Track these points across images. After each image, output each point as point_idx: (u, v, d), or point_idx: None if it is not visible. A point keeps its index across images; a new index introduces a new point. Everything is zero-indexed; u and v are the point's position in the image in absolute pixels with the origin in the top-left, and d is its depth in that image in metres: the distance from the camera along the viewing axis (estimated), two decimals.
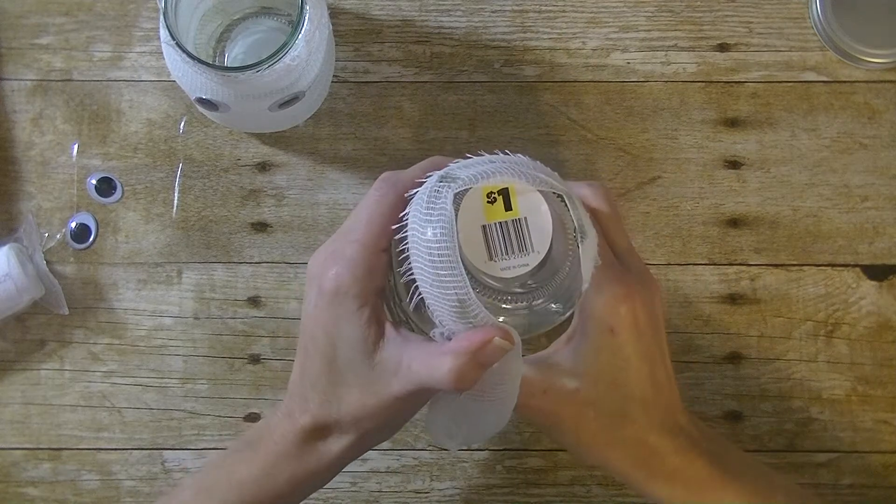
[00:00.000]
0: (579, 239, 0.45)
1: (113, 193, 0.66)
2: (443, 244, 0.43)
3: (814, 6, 0.67)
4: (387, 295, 0.49)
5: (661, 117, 0.66)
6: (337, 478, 0.63)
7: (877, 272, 0.65)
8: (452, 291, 0.44)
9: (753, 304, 0.65)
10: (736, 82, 0.67)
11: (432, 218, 0.44)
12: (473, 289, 0.44)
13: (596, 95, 0.66)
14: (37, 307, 0.64)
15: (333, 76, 0.66)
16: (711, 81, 0.67)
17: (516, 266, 0.45)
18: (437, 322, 0.45)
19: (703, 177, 0.66)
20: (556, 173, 0.46)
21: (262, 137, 0.66)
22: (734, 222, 0.66)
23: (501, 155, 0.46)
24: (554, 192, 0.46)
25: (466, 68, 0.67)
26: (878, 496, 0.64)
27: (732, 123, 0.66)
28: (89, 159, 0.66)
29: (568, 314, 0.48)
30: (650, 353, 0.49)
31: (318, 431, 0.49)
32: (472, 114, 0.66)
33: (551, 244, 0.45)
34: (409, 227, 0.45)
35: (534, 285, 0.46)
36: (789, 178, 0.66)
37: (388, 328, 0.47)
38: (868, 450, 0.64)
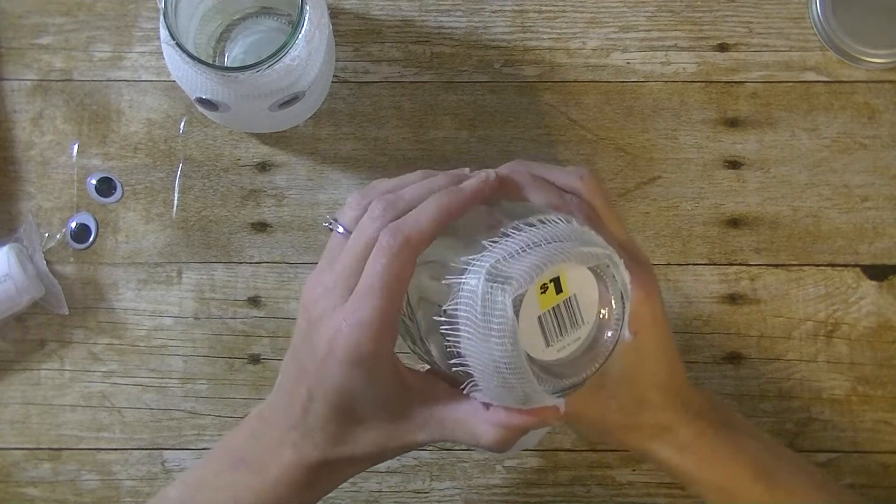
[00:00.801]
0: (625, 303, 0.44)
1: (113, 193, 0.66)
2: (510, 356, 0.41)
3: (814, 6, 0.67)
4: (405, 335, 0.48)
5: (661, 117, 0.66)
6: None
7: (877, 272, 0.65)
8: (520, 391, 0.42)
9: (753, 304, 0.65)
10: (736, 82, 0.67)
11: (492, 327, 0.41)
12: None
13: (596, 95, 0.66)
14: (37, 307, 0.64)
15: (333, 76, 0.66)
16: (711, 81, 0.67)
17: (571, 343, 0.43)
18: (478, 385, 0.43)
19: (703, 177, 0.66)
20: (598, 237, 0.44)
21: (262, 137, 0.66)
22: (734, 222, 0.66)
23: (541, 227, 0.43)
24: (600, 270, 0.44)
25: (466, 68, 0.67)
26: (878, 496, 0.63)
27: (732, 123, 0.66)
28: (89, 159, 0.66)
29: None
30: (667, 343, 0.50)
31: (330, 466, 0.47)
32: (472, 114, 0.66)
33: (598, 310, 0.44)
34: (461, 330, 0.42)
35: (580, 361, 0.44)
36: (789, 178, 0.66)
37: (412, 380, 0.46)
38: (868, 450, 0.64)
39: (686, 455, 0.50)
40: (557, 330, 0.43)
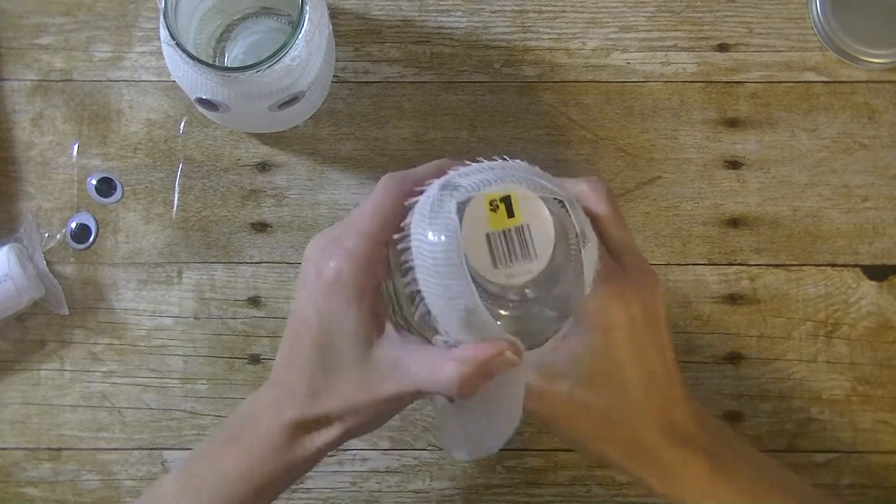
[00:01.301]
0: (581, 245, 0.45)
1: (113, 193, 0.66)
2: (449, 254, 0.43)
3: (814, 6, 0.67)
4: (385, 300, 0.49)
5: (661, 117, 0.66)
6: (337, 477, 0.64)
7: (877, 272, 0.65)
8: (459, 301, 0.43)
9: (753, 304, 0.65)
10: (736, 82, 0.67)
11: (437, 227, 0.44)
12: (479, 297, 0.43)
13: (596, 95, 0.66)
14: (37, 307, 0.64)
15: (333, 76, 0.66)
16: (711, 81, 0.67)
17: (521, 273, 0.44)
18: (441, 331, 0.45)
19: (703, 177, 0.66)
20: (557, 179, 0.46)
21: (262, 137, 0.66)
22: (734, 222, 0.66)
23: (501, 161, 0.46)
24: (555, 198, 0.46)
25: (466, 68, 0.67)
26: (878, 496, 0.64)
27: (732, 123, 0.66)
28: (89, 159, 0.66)
29: (567, 322, 0.48)
30: (644, 352, 0.48)
31: (305, 426, 0.48)
32: (472, 114, 0.66)
33: (554, 250, 0.45)
34: (412, 236, 0.45)
35: (534, 294, 0.46)
36: (789, 178, 0.66)
37: (389, 326, 0.47)
38: (868, 450, 0.64)
39: (670, 483, 0.48)
40: (507, 254, 0.45)
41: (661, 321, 0.49)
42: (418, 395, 0.47)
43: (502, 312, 0.46)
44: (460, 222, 0.44)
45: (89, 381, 0.64)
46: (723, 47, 0.67)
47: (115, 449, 0.64)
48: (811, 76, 0.67)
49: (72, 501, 0.63)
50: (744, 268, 0.65)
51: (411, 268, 0.45)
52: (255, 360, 0.64)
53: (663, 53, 0.67)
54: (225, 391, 0.64)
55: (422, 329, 0.48)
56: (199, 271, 0.65)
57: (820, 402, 0.64)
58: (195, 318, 0.65)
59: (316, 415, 0.48)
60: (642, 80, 0.67)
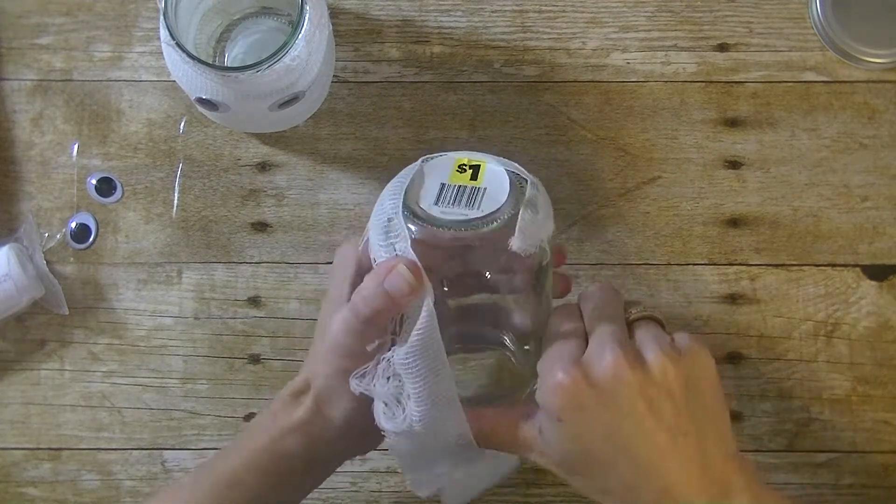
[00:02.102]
0: (523, 206, 0.48)
1: (113, 193, 0.66)
2: (398, 181, 0.48)
3: (814, 6, 0.67)
4: None
5: (661, 117, 0.66)
6: (337, 477, 0.63)
7: (877, 272, 0.65)
8: (386, 214, 0.47)
9: (753, 304, 0.65)
10: (736, 82, 0.67)
11: (401, 173, 0.49)
12: (406, 221, 0.47)
13: (596, 95, 0.66)
14: (37, 307, 0.64)
15: (333, 76, 0.66)
16: (711, 81, 0.67)
17: (455, 215, 0.48)
18: (373, 262, 0.48)
19: (703, 177, 0.66)
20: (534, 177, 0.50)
21: (262, 137, 0.66)
22: (734, 222, 0.66)
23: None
24: (519, 184, 0.49)
25: (466, 68, 0.67)
26: (878, 496, 0.63)
27: (732, 123, 0.66)
28: (89, 159, 0.66)
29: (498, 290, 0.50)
30: (614, 434, 0.45)
31: (296, 394, 0.51)
32: (472, 114, 0.66)
33: (496, 212, 0.48)
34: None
35: (454, 227, 0.48)
36: (789, 178, 0.66)
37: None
38: (868, 450, 0.64)
39: None
40: (451, 200, 0.49)
41: (631, 397, 0.45)
42: (349, 332, 0.48)
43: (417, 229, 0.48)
44: (423, 168, 0.49)
45: (89, 381, 0.64)
46: (723, 47, 0.67)
47: (115, 449, 0.64)
48: (811, 76, 0.67)
49: (72, 501, 0.63)
50: (744, 268, 0.65)
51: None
52: (255, 360, 0.64)
53: (663, 53, 0.67)
54: (225, 391, 0.64)
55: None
56: (199, 271, 0.65)
57: (820, 402, 0.64)
58: (195, 318, 0.65)
59: (301, 385, 0.51)
60: (642, 80, 0.67)
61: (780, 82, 0.67)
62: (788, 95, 0.67)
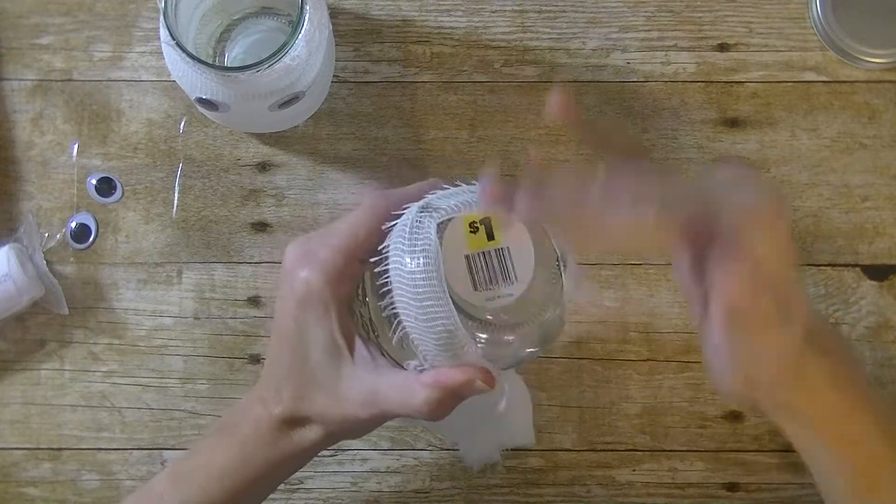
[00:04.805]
0: (562, 268, 0.45)
1: (113, 193, 0.66)
2: (428, 274, 0.43)
3: (814, 6, 0.67)
4: (360, 326, 0.49)
5: (661, 117, 0.66)
6: (337, 477, 0.64)
7: (877, 272, 0.65)
8: (440, 323, 0.43)
9: None
10: (736, 82, 0.67)
11: (416, 249, 0.44)
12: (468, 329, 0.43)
13: (596, 95, 0.66)
14: (37, 307, 0.64)
15: (333, 76, 0.66)
16: (711, 81, 0.67)
17: (501, 296, 0.44)
18: (419, 354, 0.45)
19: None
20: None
21: (262, 137, 0.66)
22: None
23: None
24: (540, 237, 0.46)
25: (466, 68, 0.67)
26: None
27: (732, 123, 0.66)
28: (89, 159, 0.66)
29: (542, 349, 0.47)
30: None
31: (291, 422, 0.49)
32: (472, 114, 0.66)
33: (534, 273, 0.45)
34: (390, 259, 0.45)
35: (514, 319, 0.45)
36: (789, 178, 0.66)
37: (360, 345, 0.48)
38: None
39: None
40: (487, 277, 0.45)
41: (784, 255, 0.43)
42: (391, 417, 0.47)
43: (482, 336, 0.45)
44: (440, 244, 0.44)
45: (89, 381, 0.64)
46: (723, 47, 0.67)
47: (115, 449, 0.64)
48: (811, 76, 0.67)
49: (72, 501, 0.63)
50: None
51: (389, 291, 0.45)
52: (255, 359, 0.64)
53: (663, 53, 0.67)
54: (225, 391, 0.64)
55: (398, 353, 0.47)
56: (199, 271, 0.65)
57: None
58: (195, 318, 0.65)
59: (298, 415, 0.49)
60: (642, 80, 0.67)
61: (780, 82, 0.67)
62: (788, 95, 0.67)
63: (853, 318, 0.65)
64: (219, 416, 0.64)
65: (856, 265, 0.65)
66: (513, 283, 0.45)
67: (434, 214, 0.44)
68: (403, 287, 0.44)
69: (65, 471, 0.63)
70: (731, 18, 0.67)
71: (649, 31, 0.67)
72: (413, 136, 0.66)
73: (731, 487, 0.64)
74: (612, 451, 0.64)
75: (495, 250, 0.45)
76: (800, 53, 0.67)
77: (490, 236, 0.45)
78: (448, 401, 0.45)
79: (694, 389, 0.64)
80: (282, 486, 0.62)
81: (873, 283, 0.65)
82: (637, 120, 0.66)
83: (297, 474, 0.62)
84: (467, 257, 0.45)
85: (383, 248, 0.46)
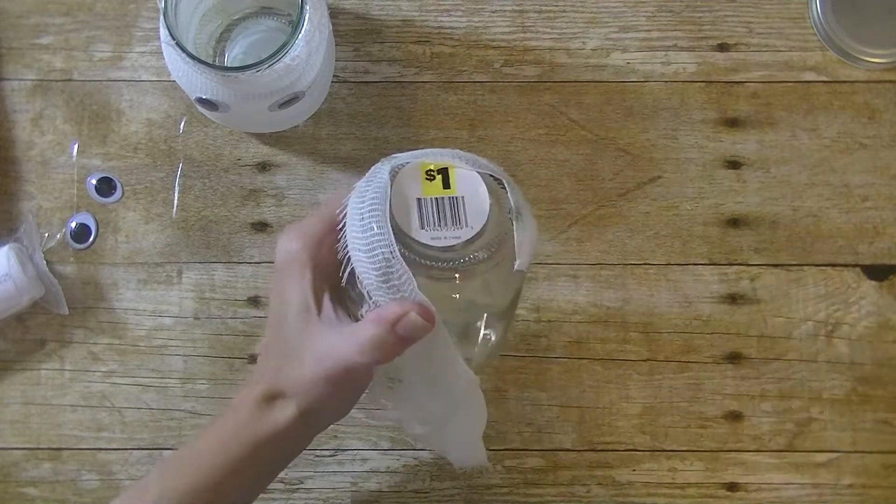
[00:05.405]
0: (514, 219, 0.46)
1: (113, 193, 0.66)
2: (374, 205, 0.44)
3: (814, 6, 0.67)
4: (347, 300, 0.50)
5: (661, 117, 0.66)
6: (337, 477, 0.64)
7: (877, 272, 0.65)
8: (379, 251, 0.44)
9: (753, 304, 0.65)
10: (736, 82, 0.67)
11: (369, 188, 0.45)
12: (401, 254, 0.44)
13: (596, 95, 0.66)
14: (37, 307, 0.64)
15: (333, 76, 0.66)
16: (711, 81, 0.67)
17: (447, 237, 0.45)
18: (366, 295, 0.46)
19: (703, 177, 0.66)
20: (499, 168, 0.48)
21: (262, 137, 0.66)
22: (734, 222, 0.66)
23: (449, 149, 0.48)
24: (494, 178, 0.47)
25: (466, 68, 0.67)
26: (878, 496, 0.64)
27: (732, 123, 0.66)
28: (89, 159, 0.66)
29: (499, 301, 0.48)
30: None
31: (269, 397, 0.49)
32: (472, 114, 0.66)
33: (486, 224, 0.46)
34: (349, 203, 0.46)
35: (458, 264, 0.46)
36: (789, 178, 0.66)
37: (327, 303, 0.48)
38: (868, 450, 0.64)
39: None
40: (436, 219, 0.46)
41: None
42: (356, 372, 0.47)
43: (424, 274, 0.46)
44: (390, 184, 0.45)
45: (89, 381, 0.64)
46: (723, 47, 0.67)
47: (115, 449, 0.64)
48: (811, 76, 0.67)
49: (72, 501, 0.63)
50: (744, 268, 0.65)
51: (346, 245, 0.46)
52: (254, 359, 0.64)
53: (663, 53, 0.67)
54: (225, 391, 0.64)
55: (353, 303, 0.48)
56: (199, 271, 0.65)
57: (820, 402, 0.64)
58: (195, 318, 0.65)
59: (275, 389, 0.49)
60: (642, 80, 0.67)
61: (780, 82, 0.67)
62: (788, 95, 0.67)
63: (853, 318, 0.65)
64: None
65: (856, 265, 0.65)
66: (462, 228, 0.46)
67: (391, 159, 0.46)
68: (353, 222, 0.45)
69: (65, 471, 0.63)
70: (731, 18, 0.67)
71: (649, 31, 0.67)
72: (413, 136, 0.66)
73: (731, 487, 0.64)
74: (611, 451, 0.64)
75: (449, 198, 0.46)
76: (800, 53, 0.67)
77: (446, 185, 0.46)
78: (390, 337, 0.45)
79: (694, 389, 0.64)
80: (281, 487, 0.62)
81: (873, 283, 0.65)
82: (637, 120, 0.66)
83: (297, 474, 0.62)
84: (419, 200, 0.46)
85: (347, 198, 0.47)
